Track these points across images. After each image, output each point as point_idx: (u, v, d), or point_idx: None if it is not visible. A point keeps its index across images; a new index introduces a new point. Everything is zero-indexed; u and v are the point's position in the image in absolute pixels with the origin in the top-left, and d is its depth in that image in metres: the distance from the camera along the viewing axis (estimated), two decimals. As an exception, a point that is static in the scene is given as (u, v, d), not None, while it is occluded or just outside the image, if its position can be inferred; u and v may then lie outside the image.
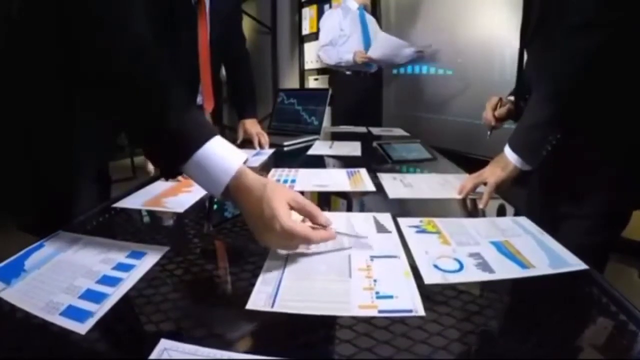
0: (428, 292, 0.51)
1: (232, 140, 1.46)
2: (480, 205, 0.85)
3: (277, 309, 0.47)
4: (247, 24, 4.49)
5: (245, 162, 0.55)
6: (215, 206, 0.78)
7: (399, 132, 2.06)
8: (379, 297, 0.49)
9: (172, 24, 1.29)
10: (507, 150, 0.88)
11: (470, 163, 1.21)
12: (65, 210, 0.80)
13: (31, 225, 0.82)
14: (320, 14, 4.08)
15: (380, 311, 0.46)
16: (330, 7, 3.90)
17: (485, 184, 0.88)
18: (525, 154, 0.85)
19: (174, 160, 0.55)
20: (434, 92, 3.08)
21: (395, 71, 3.21)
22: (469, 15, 2.71)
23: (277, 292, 0.50)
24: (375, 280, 0.52)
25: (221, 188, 0.54)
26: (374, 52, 2.66)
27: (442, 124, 3.01)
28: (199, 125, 0.55)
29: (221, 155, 0.54)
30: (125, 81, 0.55)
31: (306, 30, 4.32)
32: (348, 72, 2.79)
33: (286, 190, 0.55)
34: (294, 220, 0.53)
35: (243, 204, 0.55)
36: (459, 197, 0.90)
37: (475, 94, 2.70)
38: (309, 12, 4.26)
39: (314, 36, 4.20)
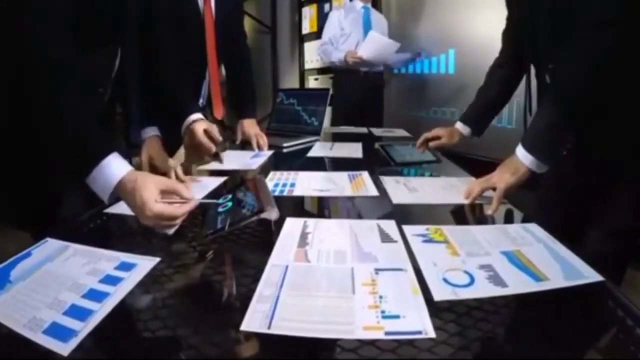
0: (437, 309, 0.48)
1: (232, 141, 1.43)
2: (490, 212, 0.81)
3: (274, 330, 0.43)
4: (246, 24, 4.42)
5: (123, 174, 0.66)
6: (211, 211, 0.74)
7: (400, 132, 2.02)
8: (385, 317, 0.45)
9: (180, 31, 1.26)
10: (521, 152, 0.84)
11: (474, 165, 1.18)
12: (63, 210, 0.81)
13: (28, 224, 0.85)
14: (320, 13, 4.04)
15: (386, 333, 0.43)
16: (331, 6, 3.88)
17: (493, 189, 0.85)
18: (543, 155, 0.81)
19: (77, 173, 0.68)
20: (435, 92, 3.05)
21: (396, 70, 3.17)
22: (470, 15, 2.67)
23: (274, 311, 0.46)
24: (380, 297, 0.49)
25: (106, 197, 0.67)
26: (365, 52, 2.62)
27: (443, 124, 2.96)
28: (91, 148, 0.67)
29: (104, 174, 0.66)
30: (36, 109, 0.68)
31: (306, 29, 4.28)
32: (362, 69, 2.75)
33: (153, 180, 0.65)
34: (160, 204, 0.63)
35: (127, 202, 0.67)
36: (466, 202, 0.86)
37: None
38: (309, 12, 4.22)
39: (314, 35, 4.16)
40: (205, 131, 1.07)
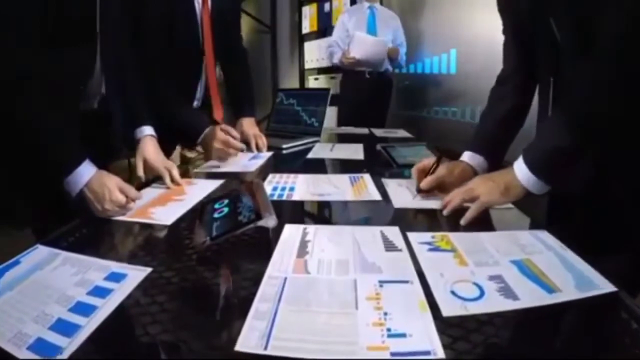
0: (446, 325, 0.45)
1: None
2: (462, 222, 0.74)
3: (271, 351, 0.40)
4: (246, 23, 4.43)
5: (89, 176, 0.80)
6: (207, 217, 0.71)
7: (402, 133, 1.99)
8: (390, 336, 0.42)
9: (174, 33, 1.24)
10: (522, 171, 0.74)
11: None
12: (64, 211, 0.80)
13: (29, 225, 0.90)
14: (320, 12, 4.02)
15: (392, 354, 0.40)
16: (331, 5, 3.86)
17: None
18: (551, 178, 0.72)
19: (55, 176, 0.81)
20: (437, 92, 3.02)
21: (397, 70, 3.14)
22: (472, 15, 2.64)
23: (271, 329, 0.43)
24: (385, 314, 0.46)
25: (75, 193, 0.80)
26: (356, 53, 2.64)
27: (444, 124, 2.95)
28: (65, 156, 0.80)
29: (75, 174, 0.79)
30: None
31: (306, 29, 4.26)
32: (367, 70, 2.74)
33: (113, 179, 0.81)
34: (121, 195, 0.80)
35: (92, 193, 0.79)
36: (444, 212, 0.78)
37: (479, 94, 2.63)
38: (309, 11, 4.20)
39: (315, 35, 4.14)
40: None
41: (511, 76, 0.96)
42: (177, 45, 1.27)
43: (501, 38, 1.02)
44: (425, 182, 0.86)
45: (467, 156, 0.93)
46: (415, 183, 0.91)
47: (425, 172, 0.89)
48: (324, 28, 3.93)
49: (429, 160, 0.91)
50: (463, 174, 0.89)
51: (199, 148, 1.28)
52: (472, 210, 0.74)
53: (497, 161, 0.94)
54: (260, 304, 0.47)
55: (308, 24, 4.22)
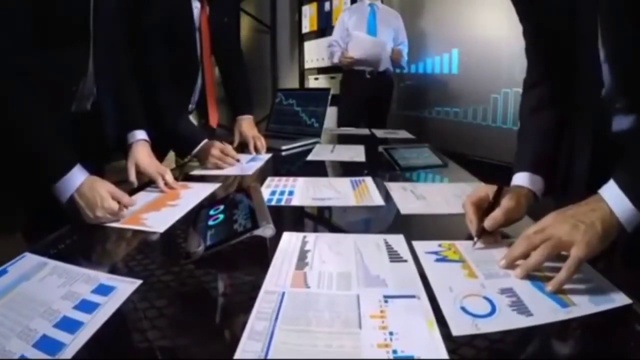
0: (455, 344, 0.42)
1: (230, 143, 1.38)
2: (550, 289, 0.52)
3: (268, 376, 0.37)
4: (246, 23, 4.40)
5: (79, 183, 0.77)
6: (201, 224, 0.68)
7: (403, 134, 1.96)
8: (397, 359, 0.39)
9: (172, 38, 1.22)
10: (623, 206, 0.54)
11: (481, 167, 1.10)
12: (57, 214, 0.78)
13: (23, 228, 0.89)
14: (320, 11, 3.99)
15: (399, 379, 0.36)
16: (331, 5, 3.83)
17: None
18: None
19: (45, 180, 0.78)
20: (438, 91, 2.99)
21: (398, 70, 3.12)
22: (474, 14, 2.61)
23: (267, 351, 0.40)
24: (391, 333, 0.42)
25: (65, 199, 0.76)
26: (354, 52, 2.63)
27: (446, 124, 2.92)
28: (55, 162, 0.77)
29: (66, 179, 0.76)
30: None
31: (306, 28, 4.22)
32: (367, 69, 2.72)
33: (104, 185, 0.78)
34: (113, 202, 0.77)
35: (84, 200, 0.76)
36: (516, 275, 0.55)
37: (481, 94, 2.61)
38: (309, 10, 4.17)
39: (314, 34, 4.11)
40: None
41: (543, 75, 0.81)
42: (175, 49, 1.24)
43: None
44: (493, 220, 0.64)
45: (524, 179, 0.72)
46: (474, 220, 0.67)
47: (481, 207, 0.68)
48: (324, 27, 3.90)
49: (482, 189, 0.71)
50: (527, 203, 0.71)
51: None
52: (569, 272, 0.51)
53: (550, 181, 0.75)
54: (256, 323, 0.44)
55: (308, 24, 4.19)
